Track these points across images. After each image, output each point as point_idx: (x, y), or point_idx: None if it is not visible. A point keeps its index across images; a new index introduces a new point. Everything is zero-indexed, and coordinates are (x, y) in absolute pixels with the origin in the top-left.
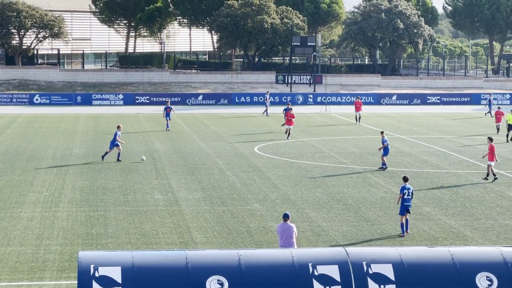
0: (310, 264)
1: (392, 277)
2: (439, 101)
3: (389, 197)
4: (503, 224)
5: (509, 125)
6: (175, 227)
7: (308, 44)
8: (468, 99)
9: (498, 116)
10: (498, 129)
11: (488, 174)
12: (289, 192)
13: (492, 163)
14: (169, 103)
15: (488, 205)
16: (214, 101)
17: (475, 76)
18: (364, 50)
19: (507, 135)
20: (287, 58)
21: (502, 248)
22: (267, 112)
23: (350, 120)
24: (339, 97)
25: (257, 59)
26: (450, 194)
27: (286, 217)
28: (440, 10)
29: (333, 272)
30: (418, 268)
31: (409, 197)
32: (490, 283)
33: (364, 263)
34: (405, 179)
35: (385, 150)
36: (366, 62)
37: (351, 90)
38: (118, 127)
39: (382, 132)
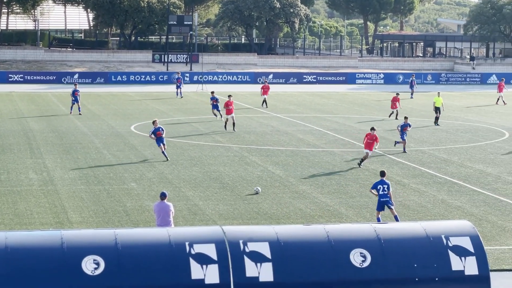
0: (187, 243)
1: (269, 255)
2: (315, 80)
3: (265, 176)
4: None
5: (436, 108)
6: (50, 207)
7: (185, 23)
8: (343, 78)
9: (394, 101)
10: (396, 114)
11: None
12: (165, 171)
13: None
14: (77, 86)
15: (362, 183)
16: (90, 79)
17: (350, 55)
18: (240, 29)
19: (437, 118)
20: (164, 37)
21: (376, 225)
22: (181, 94)
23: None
24: (215, 76)
25: (133, 38)
26: (326, 173)
27: (163, 196)
28: None
29: (210, 251)
30: (294, 245)
31: (385, 192)
32: (363, 259)
33: (240, 241)
34: (382, 174)
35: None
36: (243, 41)
37: (228, 69)
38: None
39: (406, 118)
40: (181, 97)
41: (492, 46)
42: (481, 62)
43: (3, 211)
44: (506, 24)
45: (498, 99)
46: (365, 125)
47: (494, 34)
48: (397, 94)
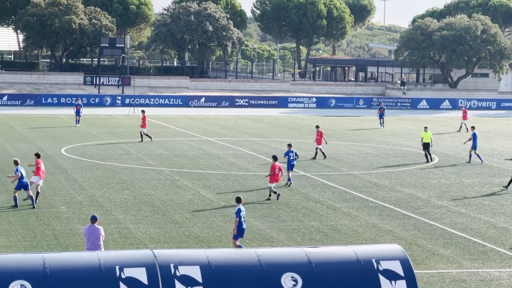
0: (117, 267)
1: (200, 279)
2: (247, 103)
3: (196, 200)
4: (308, 226)
5: (425, 144)
6: None
7: (117, 45)
8: (276, 102)
9: (319, 137)
10: (323, 154)
11: (276, 193)
12: (96, 194)
13: (272, 185)
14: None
15: (294, 207)
16: (20, 101)
17: (283, 79)
18: (173, 52)
19: (426, 155)
20: (96, 59)
21: (307, 249)
22: (78, 121)
23: (158, 122)
24: (147, 99)
25: (64, 59)
26: (257, 197)
27: (93, 219)
28: (249, 14)
29: (141, 274)
30: (225, 269)
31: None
32: (295, 283)
33: (171, 265)
34: (238, 200)
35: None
36: (175, 64)
37: (159, 92)
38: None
39: (289, 145)
40: (78, 125)
41: (422, 72)
42: (411, 87)
43: None
44: (435, 51)
45: (461, 126)
46: (296, 149)
47: (424, 60)
48: (317, 126)
